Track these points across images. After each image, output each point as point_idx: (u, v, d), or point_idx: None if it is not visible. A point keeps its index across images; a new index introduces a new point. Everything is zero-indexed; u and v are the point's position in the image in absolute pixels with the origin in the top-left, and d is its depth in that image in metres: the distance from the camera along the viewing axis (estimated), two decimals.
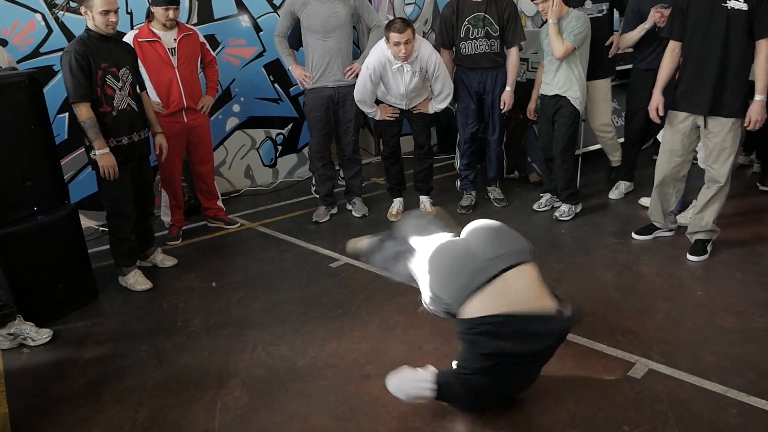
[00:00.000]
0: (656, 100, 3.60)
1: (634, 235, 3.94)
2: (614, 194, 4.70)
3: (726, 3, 3.21)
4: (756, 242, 3.80)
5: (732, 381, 2.49)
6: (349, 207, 4.67)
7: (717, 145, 3.42)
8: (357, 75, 4.15)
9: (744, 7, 3.16)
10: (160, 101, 3.97)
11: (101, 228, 4.43)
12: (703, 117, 3.43)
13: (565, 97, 4.09)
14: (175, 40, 3.94)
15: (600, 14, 4.42)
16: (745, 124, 3.34)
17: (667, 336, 2.84)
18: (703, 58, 3.34)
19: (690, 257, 3.62)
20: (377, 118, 4.29)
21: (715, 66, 3.30)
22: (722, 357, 2.66)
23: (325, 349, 2.87)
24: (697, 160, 3.97)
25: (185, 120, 4.08)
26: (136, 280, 3.59)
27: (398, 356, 2.77)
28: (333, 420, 2.39)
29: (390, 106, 4.27)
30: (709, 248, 3.65)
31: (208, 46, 4.25)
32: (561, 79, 4.08)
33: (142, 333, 3.12)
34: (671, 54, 3.53)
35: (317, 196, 4.79)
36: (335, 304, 3.28)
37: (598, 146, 5.08)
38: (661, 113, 3.64)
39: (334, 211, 4.64)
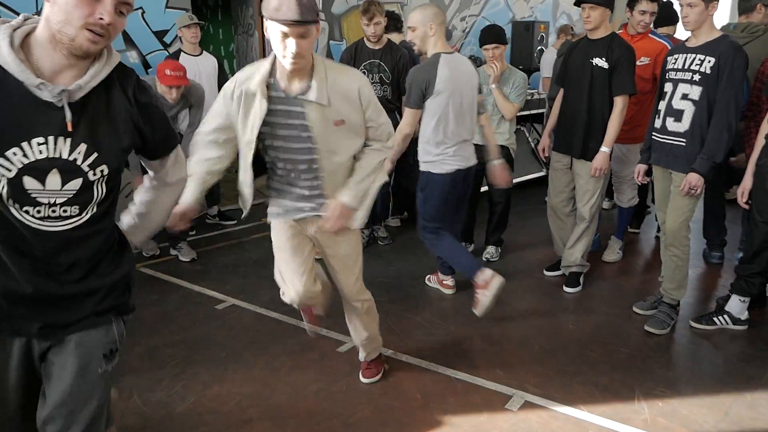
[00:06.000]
0: (544, 142, 4.04)
1: (545, 272, 4.15)
2: None
3: (592, 60, 3.54)
4: (620, 277, 4.14)
5: (598, 409, 2.65)
6: (174, 252, 4.52)
7: (582, 186, 3.75)
8: None
9: (605, 65, 3.50)
10: None
11: None
12: (573, 159, 3.75)
13: (506, 146, 4.20)
14: None
15: None
16: (590, 173, 3.62)
17: (542, 368, 2.99)
18: (575, 107, 3.66)
19: (566, 288, 3.89)
20: None
21: (583, 115, 3.62)
22: (591, 386, 2.82)
23: (206, 393, 2.77)
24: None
25: None
26: None
27: (282, 398, 2.72)
28: None
29: None
30: (581, 280, 3.92)
31: None
32: (506, 132, 4.19)
33: None
34: (561, 100, 3.84)
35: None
36: (219, 347, 3.18)
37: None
38: (547, 154, 4.01)
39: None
